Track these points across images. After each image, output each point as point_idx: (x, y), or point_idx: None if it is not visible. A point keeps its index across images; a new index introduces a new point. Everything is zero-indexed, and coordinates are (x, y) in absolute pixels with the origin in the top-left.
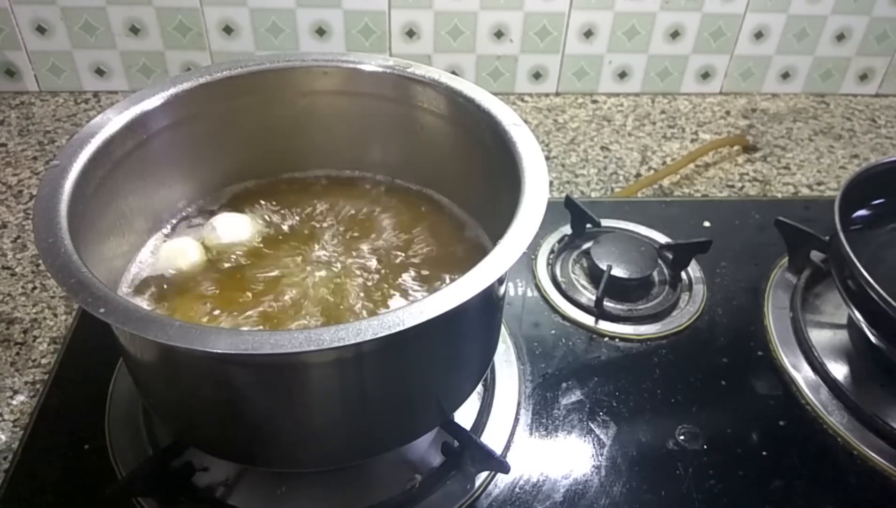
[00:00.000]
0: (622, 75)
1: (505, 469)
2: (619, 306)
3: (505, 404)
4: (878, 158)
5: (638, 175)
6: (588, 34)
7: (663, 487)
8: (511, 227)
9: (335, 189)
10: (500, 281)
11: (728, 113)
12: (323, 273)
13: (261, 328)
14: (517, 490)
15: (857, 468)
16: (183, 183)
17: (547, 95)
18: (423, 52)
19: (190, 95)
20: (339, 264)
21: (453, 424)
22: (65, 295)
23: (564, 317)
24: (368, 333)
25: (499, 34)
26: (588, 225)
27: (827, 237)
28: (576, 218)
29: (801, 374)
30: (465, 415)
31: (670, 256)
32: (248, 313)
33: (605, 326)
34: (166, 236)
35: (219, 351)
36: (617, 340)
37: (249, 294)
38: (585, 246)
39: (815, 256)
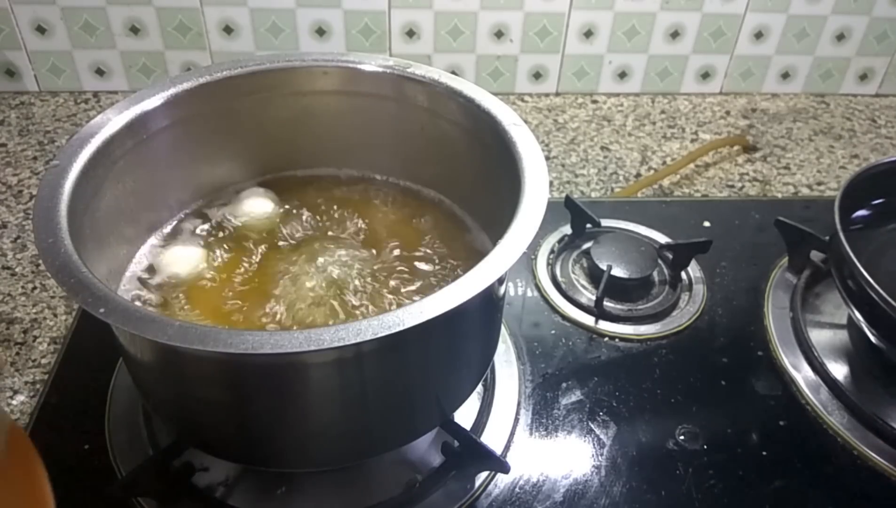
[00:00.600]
0: (622, 75)
1: (505, 469)
2: (619, 307)
3: (505, 404)
4: (878, 158)
5: (638, 175)
6: (588, 34)
7: (663, 487)
8: (511, 227)
9: (335, 189)
10: (500, 281)
11: (728, 113)
12: (322, 273)
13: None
14: (517, 490)
15: (857, 468)
16: (183, 183)
17: (547, 95)
18: (423, 52)
19: (190, 95)
20: (338, 265)
21: (453, 424)
22: (65, 295)
23: (564, 317)
24: (368, 333)
25: (499, 34)
26: (588, 225)
27: (827, 237)
28: (576, 218)
29: (801, 374)
30: (465, 415)
31: (670, 256)
32: (247, 313)
33: (605, 326)
34: (166, 235)
35: (218, 351)
36: (617, 340)
37: (249, 295)
38: (585, 246)
39: (815, 256)
